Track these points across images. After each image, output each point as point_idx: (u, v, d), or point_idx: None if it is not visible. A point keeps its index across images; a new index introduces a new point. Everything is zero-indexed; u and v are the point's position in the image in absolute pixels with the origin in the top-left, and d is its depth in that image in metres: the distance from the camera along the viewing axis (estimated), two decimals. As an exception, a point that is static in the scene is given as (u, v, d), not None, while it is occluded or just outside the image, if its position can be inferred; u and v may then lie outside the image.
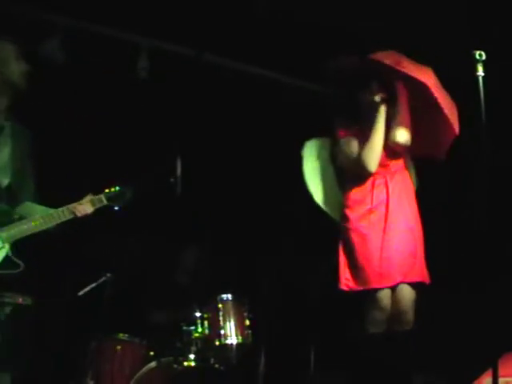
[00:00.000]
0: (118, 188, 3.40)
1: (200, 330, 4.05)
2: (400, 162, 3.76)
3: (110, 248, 4.48)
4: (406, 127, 3.67)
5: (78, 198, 3.37)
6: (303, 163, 3.89)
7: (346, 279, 3.58)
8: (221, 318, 4.05)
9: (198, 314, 4.07)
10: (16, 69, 3.17)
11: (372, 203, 3.61)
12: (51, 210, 3.24)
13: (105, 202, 3.36)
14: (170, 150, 4.15)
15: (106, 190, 3.38)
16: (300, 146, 3.98)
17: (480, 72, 3.01)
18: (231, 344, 4.03)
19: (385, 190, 3.64)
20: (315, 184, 3.86)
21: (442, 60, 3.55)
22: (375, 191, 3.63)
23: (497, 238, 2.97)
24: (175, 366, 3.92)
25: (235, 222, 5.02)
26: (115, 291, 4.04)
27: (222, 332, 4.03)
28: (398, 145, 3.68)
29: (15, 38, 4.10)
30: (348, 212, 3.67)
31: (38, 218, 3.16)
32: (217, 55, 4.86)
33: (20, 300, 3.81)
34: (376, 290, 3.50)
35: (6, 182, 3.05)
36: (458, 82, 3.45)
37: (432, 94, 3.56)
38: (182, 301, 4.33)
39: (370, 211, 3.60)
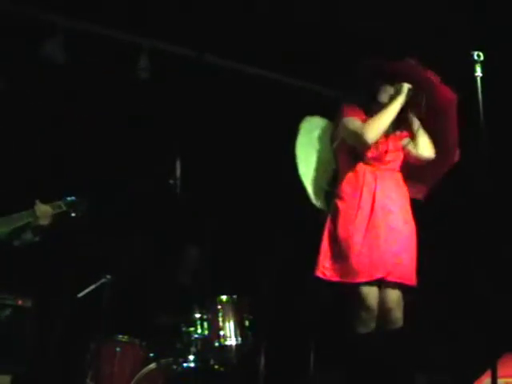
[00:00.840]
0: (73, 198, 3.56)
1: (200, 331, 4.05)
2: (397, 163, 3.74)
3: (110, 249, 4.49)
4: (432, 142, 3.68)
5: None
6: (298, 135, 3.81)
7: (324, 267, 3.55)
8: (220, 319, 4.06)
9: (197, 315, 4.08)
10: None
11: (361, 198, 3.57)
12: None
13: (63, 207, 3.50)
14: (170, 151, 4.15)
15: (64, 198, 3.53)
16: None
17: (478, 73, 3.01)
18: (231, 345, 4.03)
19: (373, 188, 3.60)
20: (305, 161, 3.78)
21: (441, 61, 3.53)
22: (365, 188, 3.59)
23: (498, 237, 2.95)
24: (175, 367, 3.93)
25: (235, 223, 5.02)
26: (115, 292, 4.04)
27: (222, 333, 4.03)
28: (422, 159, 3.70)
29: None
30: (339, 203, 3.62)
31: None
32: (217, 56, 4.86)
33: (20, 302, 3.82)
34: (359, 288, 3.48)
35: None
36: (456, 82, 3.45)
37: (453, 111, 3.58)
38: (181, 302, 4.33)
39: (358, 207, 3.56)
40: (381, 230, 3.53)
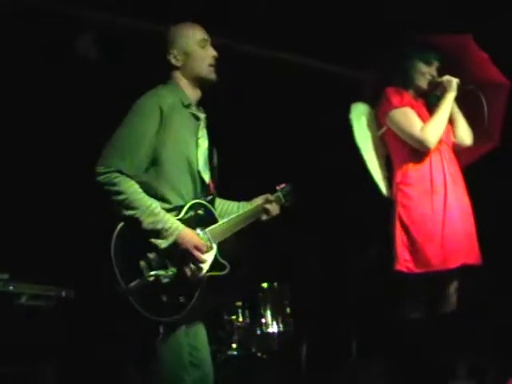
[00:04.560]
0: (288, 185, 3.21)
1: (241, 319, 4.07)
2: (449, 136, 3.70)
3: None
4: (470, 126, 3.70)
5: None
6: (353, 126, 3.69)
7: (406, 260, 3.40)
8: (262, 307, 4.09)
9: (239, 303, 4.10)
10: (202, 56, 2.82)
11: (432, 182, 3.47)
12: (244, 209, 3.03)
13: (282, 200, 3.15)
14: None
15: (279, 188, 3.17)
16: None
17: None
18: (273, 332, 4.06)
19: (441, 169, 3.51)
20: (366, 150, 3.66)
21: (498, 42, 3.49)
22: (433, 170, 3.50)
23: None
24: (218, 355, 3.95)
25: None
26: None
27: (264, 320, 4.06)
28: (460, 146, 3.68)
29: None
30: (408, 190, 3.50)
31: (235, 217, 2.95)
32: (250, 44, 4.83)
33: (63, 293, 3.84)
34: (431, 273, 3.40)
35: (207, 177, 2.82)
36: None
37: (503, 96, 3.60)
38: (223, 290, 4.34)
39: (432, 190, 3.46)
40: (457, 211, 3.46)
